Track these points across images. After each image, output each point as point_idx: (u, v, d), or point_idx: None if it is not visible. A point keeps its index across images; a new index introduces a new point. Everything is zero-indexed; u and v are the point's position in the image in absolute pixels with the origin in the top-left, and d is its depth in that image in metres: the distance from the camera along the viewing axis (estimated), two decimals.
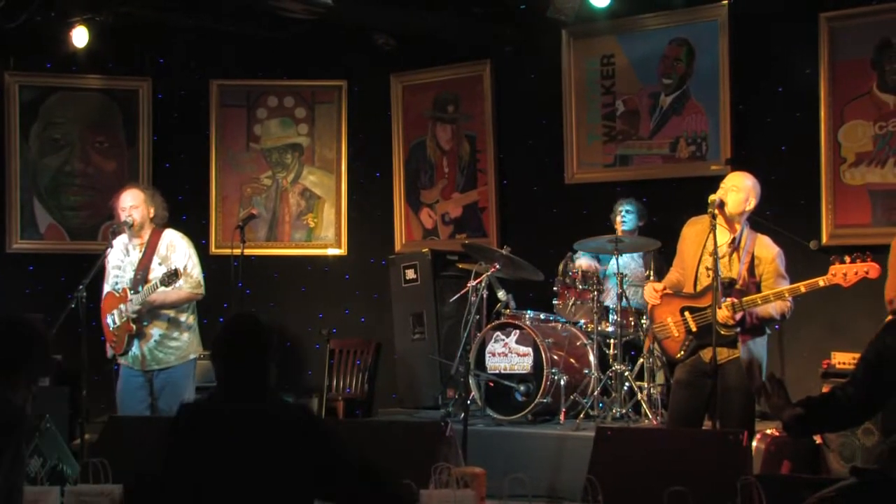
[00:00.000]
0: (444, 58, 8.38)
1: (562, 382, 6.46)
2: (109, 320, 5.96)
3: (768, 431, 5.54)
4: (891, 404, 3.52)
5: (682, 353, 5.15)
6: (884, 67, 6.61)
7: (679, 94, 7.39)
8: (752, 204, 5.12)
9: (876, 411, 3.65)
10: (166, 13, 7.84)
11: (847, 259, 4.78)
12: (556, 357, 6.55)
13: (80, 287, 5.79)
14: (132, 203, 5.96)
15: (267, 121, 8.82)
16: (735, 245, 5.12)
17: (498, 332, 6.75)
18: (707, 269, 5.08)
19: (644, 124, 7.55)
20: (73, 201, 8.64)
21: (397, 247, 8.57)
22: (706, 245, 5.10)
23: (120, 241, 6.06)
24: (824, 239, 6.70)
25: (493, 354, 6.74)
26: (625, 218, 6.89)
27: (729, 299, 4.94)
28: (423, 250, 8.00)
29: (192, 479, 3.04)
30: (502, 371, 6.69)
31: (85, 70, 8.51)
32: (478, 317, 6.65)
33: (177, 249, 5.98)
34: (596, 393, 6.42)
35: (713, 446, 4.15)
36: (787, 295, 4.94)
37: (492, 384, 6.72)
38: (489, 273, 6.55)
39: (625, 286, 6.42)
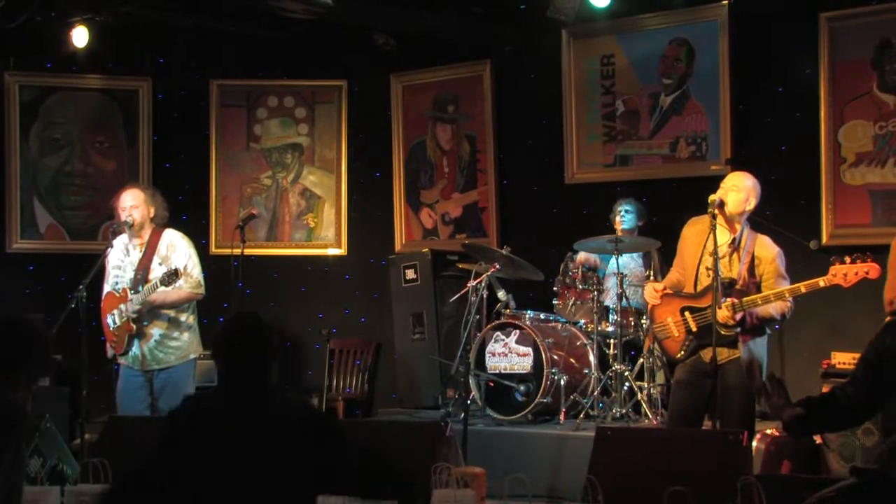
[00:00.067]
0: (444, 58, 8.38)
1: (562, 382, 6.46)
2: (110, 320, 5.96)
3: (768, 431, 5.54)
4: (891, 404, 3.52)
5: (683, 352, 5.15)
6: (884, 67, 6.61)
7: (679, 94, 7.39)
8: (752, 204, 5.12)
9: (876, 411, 3.65)
10: (166, 13, 7.84)
11: (847, 259, 4.78)
12: (556, 357, 6.55)
13: (80, 287, 5.79)
14: (132, 203, 5.97)
15: (267, 121, 8.82)
16: (735, 245, 5.12)
17: (498, 332, 6.75)
18: (707, 269, 5.08)
19: (644, 124, 7.55)
20: (73, 201, 8.64)
21: (397, 247, 8.57)
22: (706, 245, 5.09)
23: (120, 241, 6.06)
24: (824, 239, 6.70)
25: (493, 354, 6.74)
26: (624, 218, 6.89)
27: (729, 299, 4.95)
28: (423, 250, 8.00)
29: (190, 478, 3.03)
30: (502, 371, 6.69)
31: (85, 70, 8.51)
32: (478, 317, 6.65)
33: (177, 249, 5.98)
34: (596, 393, 6.42)
35: (713, 446, 4.16)
36: (787, 295, 4.94)
37: (492, 384, 6.72)
38: (489, 273, 6.55)
39: (625, 286, 6.42)
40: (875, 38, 6.62)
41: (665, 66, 7.46)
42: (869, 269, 4.76)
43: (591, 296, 6.60)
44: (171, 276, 5.65)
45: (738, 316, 4.94)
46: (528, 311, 6.87)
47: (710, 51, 7.21)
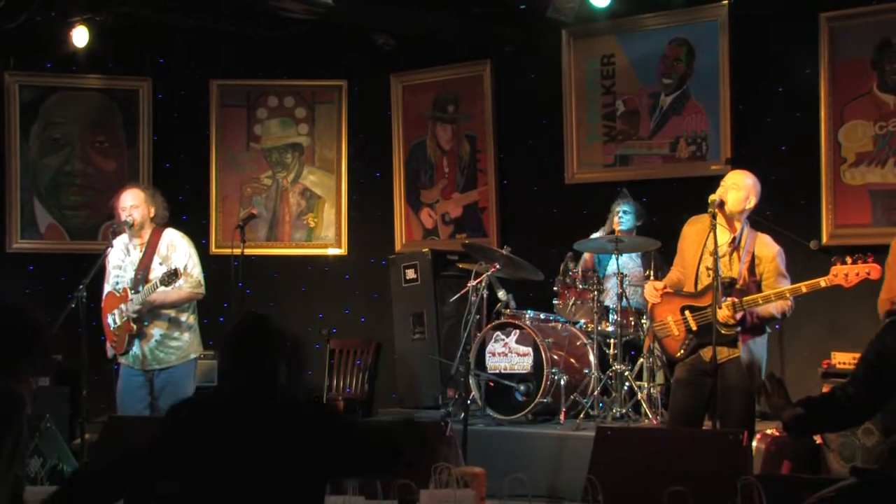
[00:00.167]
0: (444, 58, 8.38)
1: (562, 382, 6.46)
2: (110, 320, 5.96)
3: (768, 431, 5.54)
4: (891, 404, 3.52)
5: (682, 351, 5.15)
6: (884, 67, 6.61)
7: (679, 94, 7.39)
8: (752, 202, 5.12)
9: (876, 411, 3.65)
10: (166, 13, 7.83)
11: (849, 260, 4.78)
12: (556, 357, 6.55)
13: (81, 287, 5.80)
14: (132, 203, 5.97)
15: (267, 121, 8.82)
16: (735, 244, 5.12)
17: (498, 332, 6.75)
18: (707, 268, 5.08)
19: (644, 124, 7.55)
20: (73, 201, 8.64)
21: (397, 247, 8.57)
22: (706, 244, 5.10)
23: (120, 241, 6.06)
24: (824, 239, 6.70)
25: (493, 354, 6.74)
26: (622, 219, 6.88)
27: (729, 299, 4.95)
28: (424, 250, 8.00)
29: (193, 471, 3.02)
30: (502, 371, 6.69)
31: (85, 70, 8.50)
32: (478, 317, 6.65)
33: (177, 249, 5.98)
34: (596, 393, 6.41)
35: (713, 446, 4.16)
36: (787, 295, 4.95)
37: (492, 384, 6.72)
38: (489, 273, 6.54)
39: (625, 286, 6.42)
40: (875, 38, 6.62)
41: (665, 66, 7.46)
42: (870, 269, 4.76)
43: (591, 296, 6.59)
44: (171, 276, 5.65)
45: (739, 315, 4.94)
46: (528, 311, 6.87)
47: (710, 51, 7.21)
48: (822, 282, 4.84)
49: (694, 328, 5.10)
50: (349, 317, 8.59)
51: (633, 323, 6.53)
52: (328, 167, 8.78)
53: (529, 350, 6.59)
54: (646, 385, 6.34)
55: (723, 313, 4.92)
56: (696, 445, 4.24)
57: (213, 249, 8.54)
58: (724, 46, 7.11)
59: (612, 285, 6.67)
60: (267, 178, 8.81)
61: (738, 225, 5.13)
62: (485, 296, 6.68)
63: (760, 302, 4.96)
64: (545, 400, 6.48)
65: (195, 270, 5.98)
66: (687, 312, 5.14)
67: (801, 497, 3.56)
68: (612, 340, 6.56)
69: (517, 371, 6.62)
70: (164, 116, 8.71)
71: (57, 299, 6.44)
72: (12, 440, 3.10)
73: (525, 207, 8.14)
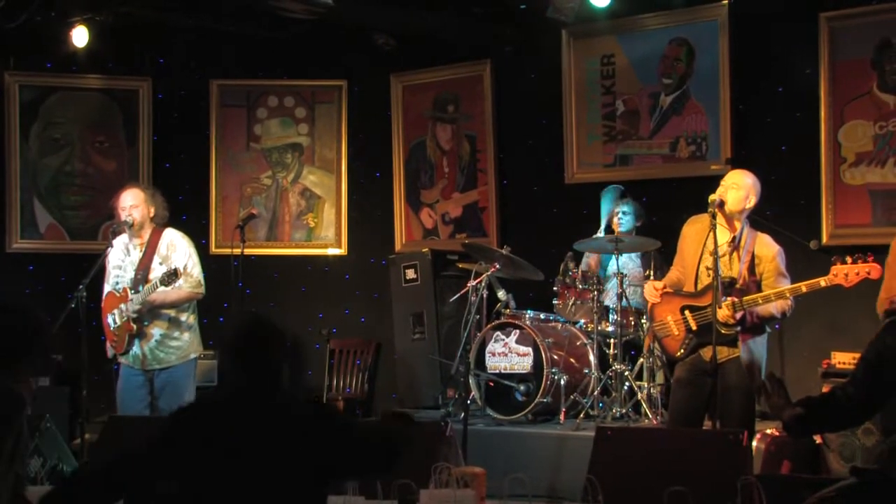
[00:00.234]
0: (444, 58, 8.38)
1: (562, 382, 6.46)
2: (110, 320, 5.96)
3: (768, 431, 5.54)
4: (891, 404, 3.51)
5: (682, 351, 5.15)
6: (884, 67, 6.61)
7: (679, 93, 7.39)
8: (752, 202, 5.12)
9: (876, 411, 3.65)
10: (166, 13, 7.83)
11: (849, 259, 4.78)
12: (556, 357, 6.55)
13: (80, 287, 5.80)
14: (132, 203, 5.97)
15: (267, 121, 8.82)
16: (735, 244, 5.12)
17: (498, 332, 6.75)
18: (707, 268, 5.08)
19: (644, 124, 7.55)
20: (73, 201, 8.64)
21: (397, 247, 8.57)
22: (706, 244, 5.10)
23: (120, 241, 6.06)
24: (824, 239, 6.70)
25: (493, 354, 6.74)
26: (622, 219, 6.88)
27: (729, 298, 4.95)
28: (423, 250, 8.00)
29: (191, 477, 3.02)
30: (502, 371, 6.69)
31: (85, 70, 8.50)
32: (478, 317, 6.65)
33: (177, 249, 5.98)
34: (596, 393, 6.42)
35: (713, 446, 4.16)
36: (787, 294, 4.95)
37: (492, 384, 6.72)
38: (489, 273, 6.54)
39: (624, 286, 6.42)
40: (875, 38, 6.62)
41: (665, 66, 7.45)
42: (870, 269, 4.76)
43: (591, 296, 6.59)
44: (171, 276, 5.65)
45: (739, 315, 4.94)
46: (528, 311, 6.87)
47: (710, 51, 7.21)
48: (823, 281, 4.85)
49: (694, 328, 5.11)
50: (349, 317, 8.59)
51: (633, 323, 6.53)
52: (328, 167, 8.78)
53: (529, 350, 6.59)
54: (646, 385, 6.34)
55: (723, 313, 4.92)
56: (696, 445, 4.25)
57: (213, 249, 8.54)
58: (724, 46, 7.11)
59: (611, 285, 6.67)
60: (267, 178, 8.81)
61: (737, 225, 5.13)
62: (485, 296, 6.68)
63: (760, 301, 4.96)
64: (545, 400, 6.48)
65: (195, 270, 5.98)
66: (687, 312, 5.14)
67: (801, 497, 3.56)
68: (612, 340, 6.56)
69: (517, 371, 6.62)
70: (164, 116, 8.71)
71: (57, 299, 6.43)
72: (12, 440, 3.09)
73: (525, 207, 8.14)
